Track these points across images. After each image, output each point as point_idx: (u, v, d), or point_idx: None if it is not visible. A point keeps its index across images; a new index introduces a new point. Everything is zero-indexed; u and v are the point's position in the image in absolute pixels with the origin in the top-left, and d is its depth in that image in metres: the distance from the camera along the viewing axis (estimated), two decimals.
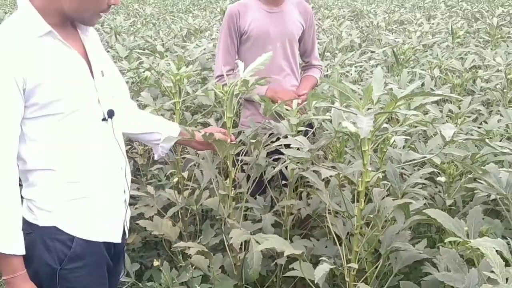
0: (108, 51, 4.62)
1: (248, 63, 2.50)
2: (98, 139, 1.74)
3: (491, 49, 4.54)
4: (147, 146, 3.07)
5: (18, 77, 1.54)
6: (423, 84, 3.17)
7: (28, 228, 1.67)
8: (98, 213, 1.75)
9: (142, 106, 2.70)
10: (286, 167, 2.33)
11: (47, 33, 1.62)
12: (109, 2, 1.67)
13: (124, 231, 1.88)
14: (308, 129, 2.46)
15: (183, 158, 2.68)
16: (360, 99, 1.66)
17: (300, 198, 2.43)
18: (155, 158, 2.22)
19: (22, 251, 1.59)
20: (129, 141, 3.16)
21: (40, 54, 1.60)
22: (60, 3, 1.62)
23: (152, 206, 2.65)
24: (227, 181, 2.31)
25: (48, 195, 1.67)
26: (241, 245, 2.24)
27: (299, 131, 2.37)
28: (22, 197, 1.69)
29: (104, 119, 1.75)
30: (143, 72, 3.51)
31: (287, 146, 2.15)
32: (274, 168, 2.34)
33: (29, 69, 1.56)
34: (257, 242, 1.98)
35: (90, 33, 1.80)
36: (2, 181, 1.57)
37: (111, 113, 1.76)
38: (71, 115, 1.65)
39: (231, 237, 1.99)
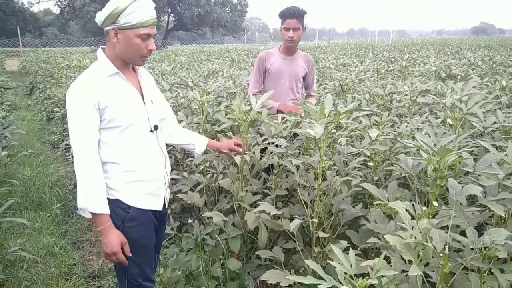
0: (157, 86, 4.61)
1: (268, 88, 2.71)
2: (147, 144, 1.74)
3: (402, 81, 4.54)
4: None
5: (95, 101, 1.57)
6: (360, 104, 3.18)
7: None
8: (146, 191, 1.75)
9: (179, 121, 2.70)
10: (273, 158, 2.34)
11: (114, 73, 1.63)
12: (147, 48, 1.64)
13: (164, 203, 1.88)
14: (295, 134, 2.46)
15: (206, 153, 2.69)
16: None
17: (282, 178, 2.43)
18: (194, 162, 2.21)
19: (108, 211, 1.62)
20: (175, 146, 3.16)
21: (108, 87, 1.61)
22: (116, 51, 1.63)
23: (187, 185, 2.64)
24: (237, 169, 2.31)
25: (114, 179, 1.68)
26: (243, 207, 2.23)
27: (283, 137, 2.36)
28: None
29: (151, 131, 1.75)
30: (180, 99, 3.51)
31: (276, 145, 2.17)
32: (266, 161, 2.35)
33: (101, 96, 1.58)
34: (264, 224, 1.98)
35: (144, 74, 1.80)
36: (91, 166, 1.60)
37: (156, 127, 1.77)
38: (128, 128, 1.66)
39: (246, 219, 1.98)
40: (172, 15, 37.55)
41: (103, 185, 1.62)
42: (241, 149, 2.07)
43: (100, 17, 1.60)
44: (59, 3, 33.83)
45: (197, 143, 2.04)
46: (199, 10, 35.07)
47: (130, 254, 1.69)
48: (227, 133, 2.63)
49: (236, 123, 2.27)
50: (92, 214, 1.61)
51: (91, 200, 1.59)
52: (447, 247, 1.13)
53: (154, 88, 1.88)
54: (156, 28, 1.70)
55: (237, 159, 2.08)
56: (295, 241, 1.94)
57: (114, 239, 1.63)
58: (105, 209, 1.61)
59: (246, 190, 2.32)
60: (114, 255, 1.64)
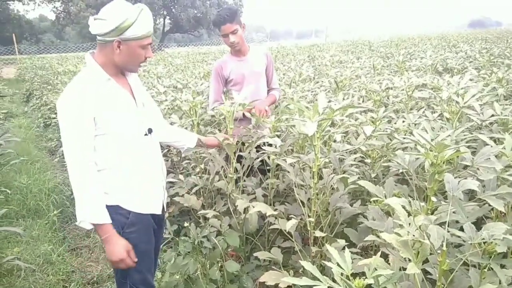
0: (152, 89, 4.59)
1: (233, 94, 2.52)
2: (142, 148, 1.72)
3: (399, 76, 4.51)
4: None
5: (89, 110, 1.54)
6: (352, 101, 3.16)
7: None
8: (145, 195, 1.74)
9: (172, 124, 2.70)
10: (268, 157, 2.32)
11: (107, 80, 1.61)
12: (146, 55, 1.65)
13: (163, 206, 1.86)
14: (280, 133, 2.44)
15: (201, 156, 2.68)
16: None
17: (278, 178, 2.40)
18: (183, 156, 2.26)
19: (109, 220, 1.61)
20: (168, 146, 3.13)
21: (103, 93, 1.59)
22: (113, 59, 1.60)
23: (183, 188, 2.62)
24: (231, 169, 2.30)
25: (112, 185, 1.66)
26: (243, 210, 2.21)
27: (275, 135, 2.35)
28: None
29: (146, 134, 1.73)
30: (175, 101, 3.48)
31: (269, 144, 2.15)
32: (260, 160, 2.33)
33: (95, 104, 1.55)
34: (253, 207, 1.96)
35: (134, 78, 1.78)
36: (88, 178, 1.57)
37: (150, 130, 1.75)
38: (123, 133, 1.64)
39: (237, 205, 1.97)
40: (168, 17, 37.54)
41: (101, 196, 1.61)
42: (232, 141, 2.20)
43: (101, 28, 1.54)
44: (54, 9, 33.82)
45: (187, 140, 2.12)
46: (195, 11, 35.07)
47: (136, 259, 1.69)
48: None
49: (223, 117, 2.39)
50: (94, 224, 1.59)
51: (91, 212, 1.57)
52: (444, 244, 1.10)
53: (144, 91, 1.86)
54: (153, 31, 1.70)
55: (219, 136, 2.18)
56: (293, 241, 1.92)
57: (119, 246, 1.62)
58: (106, 219, 1.60)
59: (243, 191, 2.30)
60: (121, 261, 1.63)
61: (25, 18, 36.77)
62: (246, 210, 2.22)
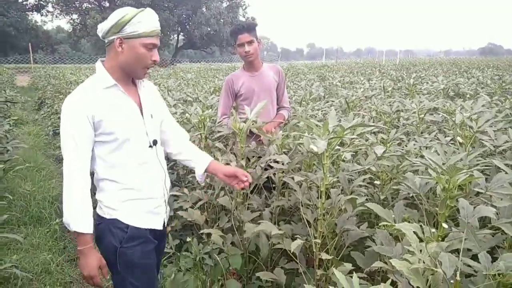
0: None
1: (245, 109, 2.48)
2: (145, 160, 1.67)
3: (409, 99, 4.47)
4: None
5: (89, 114, 1.52)
6: (363, 121, 3.11)
7: (99, 219, 1.64)
8: (145, 209, 1.68)
9: None
10: (274, 175, 2.28)
11: (112, 85, 1.58)
12: (151, 58, 1.60)
13: (164, 221, 1.80)
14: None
15: None
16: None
17: (284, 196, 2.35)
18: (198, 180, 1.98)
19: (91, 231, 1.56)
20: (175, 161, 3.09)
21: (104, 99, 1.56)
22: (118, 61, 1.58)
23: (188, 201, 2.58)
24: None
25: (111, 197, 1.62)
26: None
27: (283, 152, 2.31)
28: (96, 199, 1.65)
29: (150, 146, 1.69)
30: (184, 114, 3.46)
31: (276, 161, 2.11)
32: (266, 177, 2.29)
33: (96, 109, 1.53)
34: (263, 233, 1.91)
35: (146, 87, 1.75)
36: (79, 186, 1.53)
37: (155, 142, 1.70)
38: (125, 142, 1.59)
39: (245, 230, 1.91)
40: (182, 34, 38.09)
41: (89, 204, 1.56)
42: (246, 182, 1.80)
43: (103, 27, 1.56)
44: (71, 21, 34.55)
45: (198, 162, 1.86)
46: (209, 29, 35.50)
47: (108, 277, 1.62)
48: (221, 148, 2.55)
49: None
50: (75, 232, 1.55)
51: (74, 218, 1.53)
52: (458, 273, 1.04)
53: (158, 102, 1.81)
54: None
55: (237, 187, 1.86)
56: (297, 263, 1.86)
57: (93, 261, 1.56)
58: (88, 229, 1.55)
59: (247, 207, 2.25)
60: (90, 278, 1.58)
61: (42, 28, 37.60)
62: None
